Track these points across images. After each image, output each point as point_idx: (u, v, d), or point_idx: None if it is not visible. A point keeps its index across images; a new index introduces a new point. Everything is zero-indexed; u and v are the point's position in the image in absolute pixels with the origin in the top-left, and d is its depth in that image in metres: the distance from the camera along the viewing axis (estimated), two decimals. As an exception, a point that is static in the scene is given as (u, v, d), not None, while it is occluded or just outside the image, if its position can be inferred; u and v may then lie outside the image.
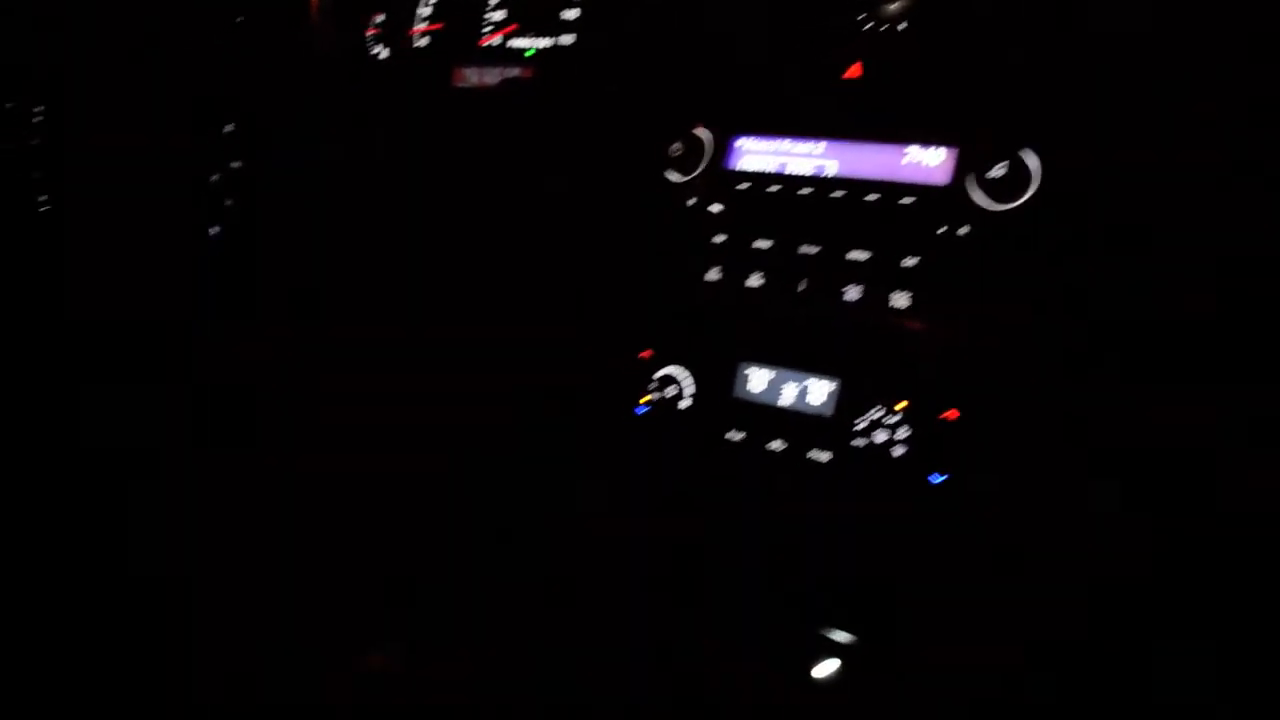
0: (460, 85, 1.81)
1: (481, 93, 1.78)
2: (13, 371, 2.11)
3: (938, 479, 1.22)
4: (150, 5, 1.92)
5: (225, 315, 1.89)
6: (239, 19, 1.90)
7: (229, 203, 1.79)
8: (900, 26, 1.35)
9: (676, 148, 1.45)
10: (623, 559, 1.46)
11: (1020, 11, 1.27)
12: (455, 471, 1.66)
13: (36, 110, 1.97)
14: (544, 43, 1.75)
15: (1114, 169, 1.17)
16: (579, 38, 1.71)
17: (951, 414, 1.22)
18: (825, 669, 1.30)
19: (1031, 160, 1.20)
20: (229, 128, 1.79)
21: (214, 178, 1.80)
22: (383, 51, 1.94)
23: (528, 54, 1.76)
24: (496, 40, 1.81)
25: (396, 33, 1.92)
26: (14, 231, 2.03)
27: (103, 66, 1.95)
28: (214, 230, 1.83)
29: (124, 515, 1.95)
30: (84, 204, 1.98)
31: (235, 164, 1.78)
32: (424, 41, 1.89)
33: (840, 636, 1.30)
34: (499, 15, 1.81)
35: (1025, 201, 1.20)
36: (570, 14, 1.72)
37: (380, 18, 1.94)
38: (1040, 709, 1.21)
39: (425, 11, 1.89)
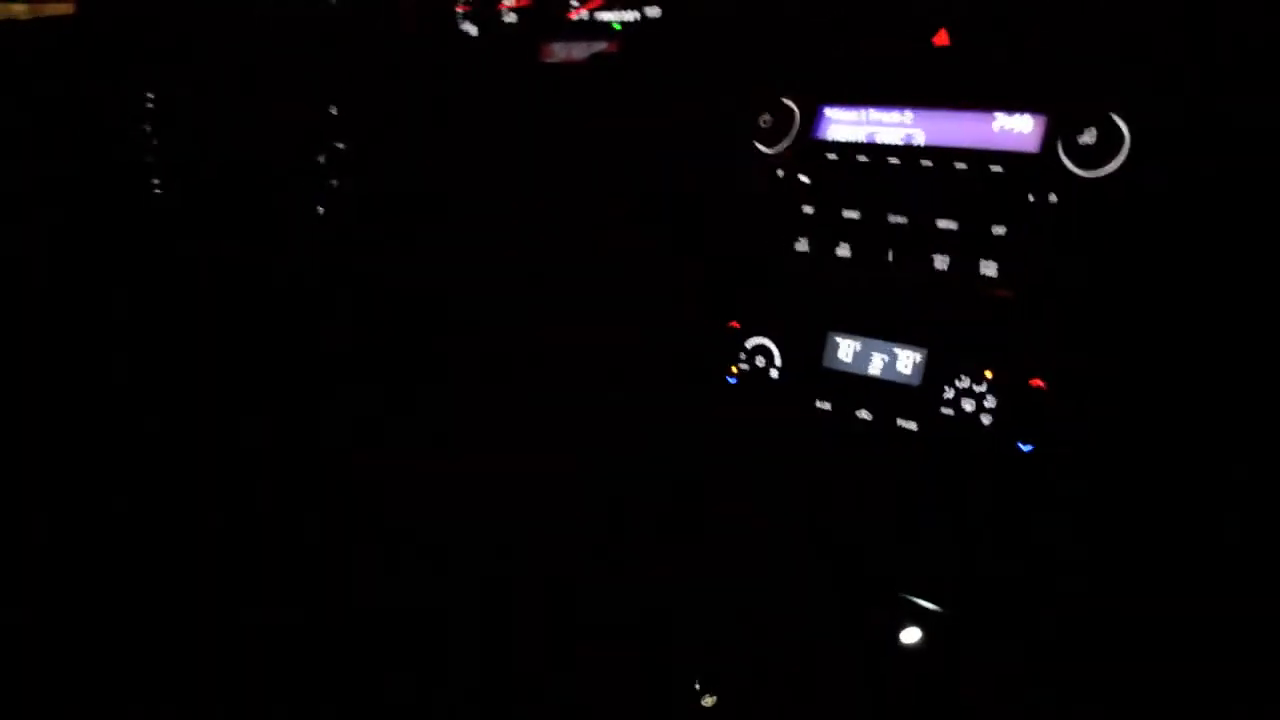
0: (548, 60, 1.84)
1: (570, 67, 1.80)
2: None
3: (1026, 448, 1.22)
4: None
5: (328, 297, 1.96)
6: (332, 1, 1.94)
7: (334, 183, 1.84)
8: (988, -9, 1.35)
9: (765, 119, 1.46)
10: (717, 529, 1.49)
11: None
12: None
13: (149, 95, 2.04)
14: (631, 16, 1.77)
15: (1206, 134, 1.16)
16: (665, 10, 1.72)
17: (1039, 383, 1.21)
18: (910, 636, 1.32)
19: (1122, 126, 1.18)
20: (334, 110, 1.83)
21: (320, 159, 1.85)
22: (471, 29, 1.97)
23: (615, 27, 1.78)
24: (584, 14, 1.83)
25: (485, 9, 1.95)
26: (127, 215, 2.11)
27: (214, 50, 2.01)
28: (319, 210, 1.88)
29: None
30: (196, 187, 2.06)
31: (340, 145, 1.83)
32: (512, 18, 1.92)
33: (926, 604, 1.31)
34: (588, -12, 1.83)
35: (1116, 168, 1.18)
36: (657, -15, 1.74)
37: (469, -7, 1.97)
38: (1124, 682, 1.21)
39: (514, -14, 1.92)
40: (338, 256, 1.91)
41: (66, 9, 2.40)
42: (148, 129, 2.05)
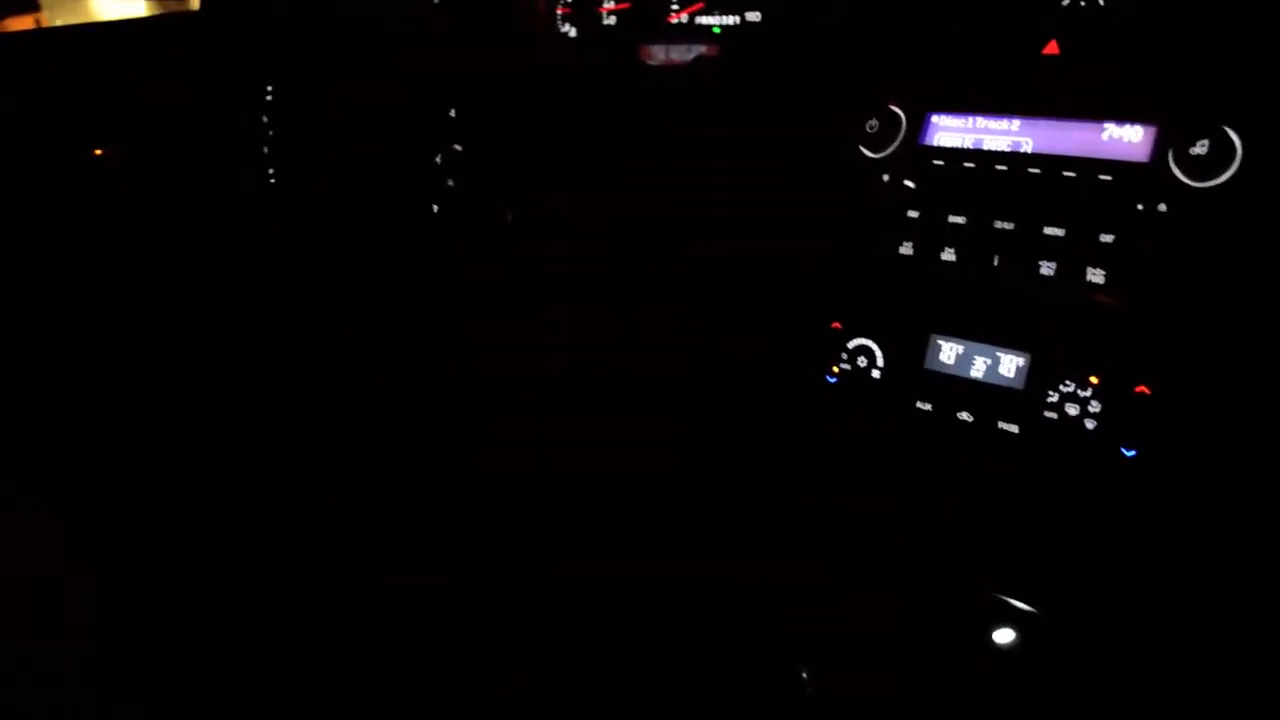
0: (648, 63, 1.88)
1: (670, 70, 1.84)
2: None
3: (1130, 453, 1.24)
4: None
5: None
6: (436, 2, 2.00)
7: (450, 183, 1.90)
8: (1098, 2, 1.37)
9: (872, 124, 1.49)
10: (817, 526, 1.52)
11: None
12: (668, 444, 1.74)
13: (268, 90, 2.11)
14: (731, 20, 1.80)
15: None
16: (766, 14, 1.75)
17: (1143, 389, 1.23)
18: (1004, 636, 1.34)
19: (1234, 137, 1.20)
20: (453, 112, 1.88)
21: (438, 159, 1.90)
22: (571, 30, 2.01)
23: (715, 31, 1.82)
24: (683, 18, 1.86)
25: (585, 11, 1.99)
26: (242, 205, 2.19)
27: (334, 52, 2.07)
28: (435, 209, 1.94)
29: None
30: (311, 181, 2.13)
31: (457, 147, 1.88)
32: (612, 20, 1.96)
33: (1023, 606, 1.34)
34: (686, -8, 1.86)
35: (1227, 179, 1.20)
36: (758, -10, 1.77)
37: (570, -4, 2.02)
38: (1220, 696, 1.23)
39: (614, -11, 1.96)
40: (449, 254, 1.97)
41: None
42: (265, 120, 2.12)
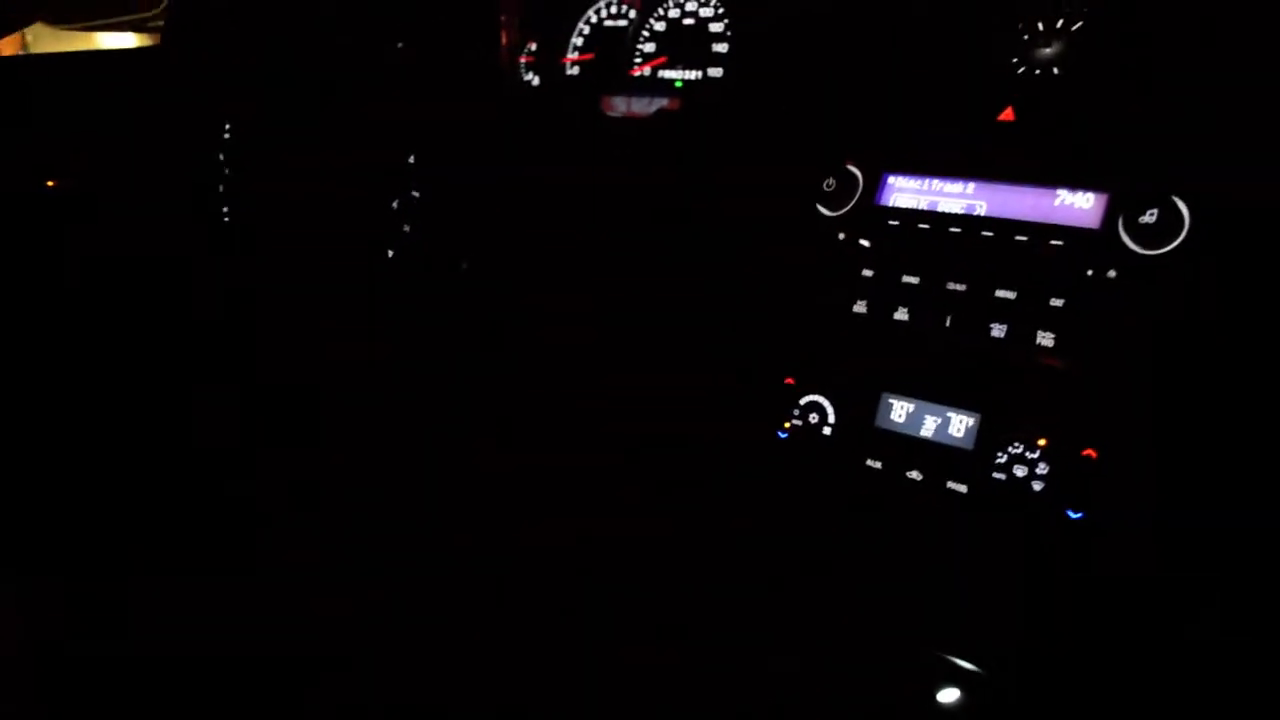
0: (610, 114, 1.89)
1: (632, 122, 1.85)
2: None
3: (1075, 515, 1.24)
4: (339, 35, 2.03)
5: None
6: (399, 45, 2.00)
7: (407, 229, 1.89)
8: (1054, 72, 1.40)
9: (829, 183, 1.50)
10: (759, 578, 1.51)
11: (1172, 61, 1.30)
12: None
13: (225, 127, 2.10)
14: (693, 75, 1.82)
15: (1264, 218, 1.20)
16: (728, 71, 1.77)
17: (1091, 453, 1.24)
18: (949, 696, 1.34)
19: (1183, 207, 1.22)
20: (411, 158, 1.88)
21: (394, 204, 1.90)
22: (535, 79, 2.02)
23: (677, 84, 1.83)
24: (646, 71, 1.88)
25: (549, 61, 2.00)
26: (194, 238, 2.16)
27: (294, 93, 2.07)
28: (390, 254, 1.92)
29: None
30: (265, 221, 2.11)
31: (415, 193, 1.87)
32: (575, 71, 1.97)
33: (967, 665, 1.34)
34: (649, 47, 1.88)
35: (1175, 247, 1.22)
36: (720, 48, 1.79)
37: (534, 45, 2.03)
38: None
39: (578, 41, 1.97)
40: (405, 298, 1.95)
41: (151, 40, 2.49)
42: (221, 158, 2.11)
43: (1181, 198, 1.23)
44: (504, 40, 1.95)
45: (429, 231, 1.89)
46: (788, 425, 1.49)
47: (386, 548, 1.98)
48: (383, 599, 1.90)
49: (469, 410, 1.92)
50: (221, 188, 2.13)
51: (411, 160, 1.88)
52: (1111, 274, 1.26)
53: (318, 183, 2.00)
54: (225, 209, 2.13)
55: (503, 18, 1.95)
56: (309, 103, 2.04)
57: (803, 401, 1.48)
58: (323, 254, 2.04)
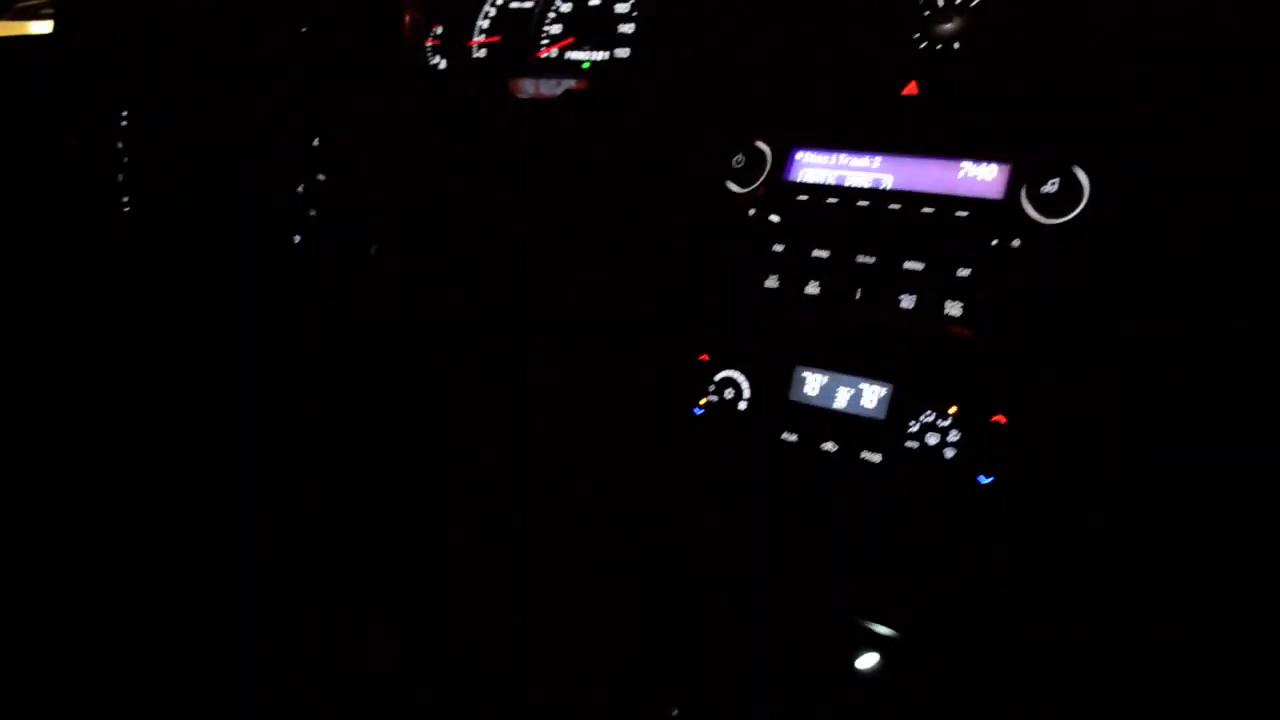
0: (517, 96, 1.88)
1: (540, 103, 1.84)
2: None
3: (986, 480, 1.27)
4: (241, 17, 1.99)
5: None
6: (303, 29, 1.96)
7: (312, 213, 1.85)
8: (955, 46, 1.42)
9: (738, 159, 1.51)
10: (679, 554, 1.52)
11: (1071, 34, 1.33)
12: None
13: (123, 114, 2.04)
14: (600, 55, 1.81)
15: (1164, 188, 1.23)
16: (635, 51, 1.77)
17: (1000, 419, 1.27)
18: (867, 661, 1.36)
19: (1082, 177, 1.25)
20: (316, 141, 1.84)
21: (299, 189, 1.86)
22: (441, 62, 2.00)
23: (584, 66, 1.83)
24: (553, 52, 1.87)
25: (455, 44, 1.98)
26: (96, 229, 2.10)
27: (193, 78, 2.01)
28: (296, 239, 1.89)
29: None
30: (164, 207, 2.05)
31: (320, 177, 1.84)
32: (482, 53, 1.96)
33: (882, 630, 1.36)
34: (556, 29, 1.87)
35: (1076, 216, 1.25)
36: (627, 28, 1.79)
37: (439, 29, 2.01)
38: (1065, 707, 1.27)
39: (484, 24, 1.96)
40: (310, 285, 1.92)
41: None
42: (120, 146, 2.04)
43: (1081, 167, 1.25)
44: (407, 21, 1.93)
45: (335, 216, 1.86)
46: (703, 401, 1.49)
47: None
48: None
49: (379, 399, 1.90)
50: (121, 177, 2.07)
51: (317, 143, 1.85)
52: (1015, 243, 1.28)
53: (220, 168, 1.95)
54: (125, 199, 2.06)
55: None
56: (210, 87, 1.99)
57: (717, 377, 1.48)
58: (226, 241, 1.99)
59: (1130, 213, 1.24)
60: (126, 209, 2.06)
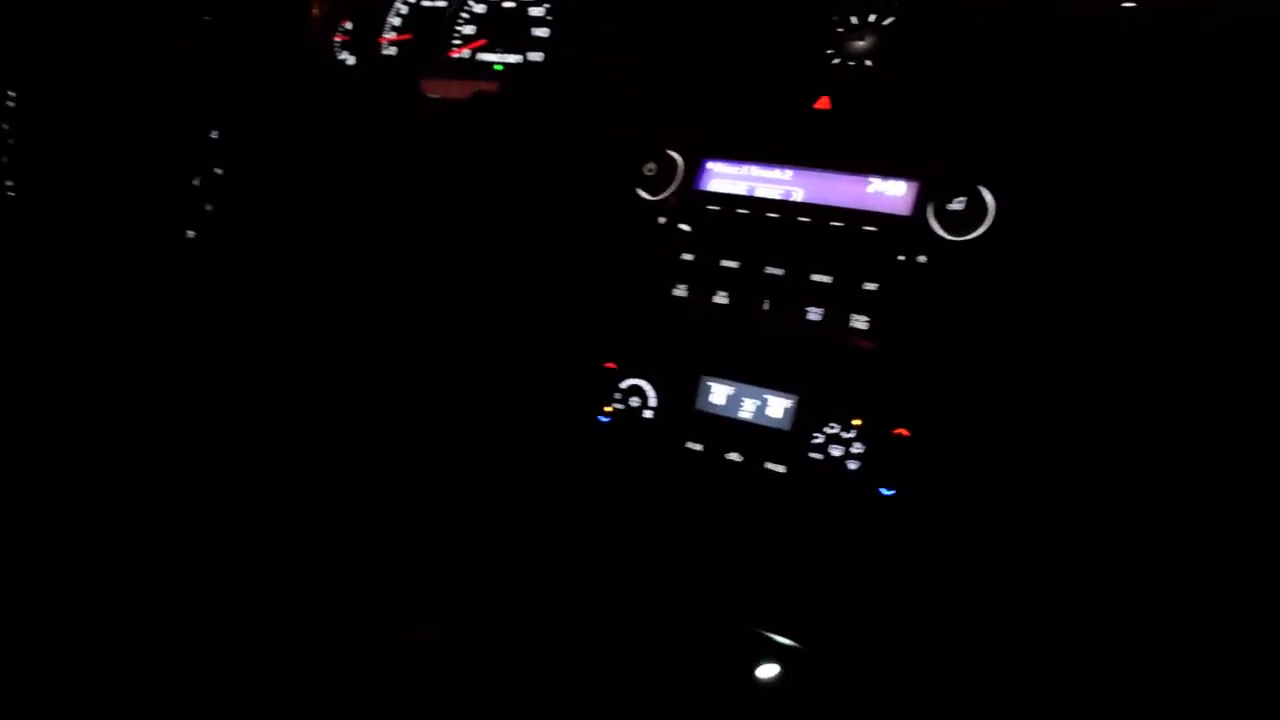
0: (429, 95, 1.85)
1: (449, 104, 1.82)
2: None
3: (888, 493, 1.28)
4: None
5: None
6: (206, 18, 1.91)
7: (209, 208, 1.80)
8: (867, 64, 1.44)
9: (650, 167, 1.51)
10: (581, 561, 1.51)
11: (980, 55, 1.36)
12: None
13: (9, 95, 1.96)
14: (513, 58, 1.79)
15: (1067, 207, 1.26)
16: (549, 56, 1.76)
17: (902, 431, 1.28)
18: (767, 671, 1.36)
19: (988, 196, 1.27)
20: (214, 134, 1.79)
21: (195, 182, 1.80)
22: (349, 58, 1.96)
23: (496, 68, 1.81)
24: (466, 53, 1.85)
25: (364, 40, 1.95)
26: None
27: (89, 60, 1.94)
28: (190, 234, 1.83)
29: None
30: (54, 194, 1.97)
31: (218, 170, 1.78)
32: (392, 51, 1.92)
33: (784, 641, 1.36)
34: (468, 29, 1.85)
35: (981, 234, 1.27)
36: (541, 32, 1.77)
37: (348, 24, 1.97)
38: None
39: (395, 21, 1.92)
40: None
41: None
42: (5, 127, 1.96)
43: (987, 186, 1.27)
44: (314, 14, 1.89)
45: (232, 210, 1.81)
46: (609, 409, 1.48)
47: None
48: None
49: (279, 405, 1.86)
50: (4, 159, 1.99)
51: (215, 136, 1.80)
52: (921, 259, 1.30)
53: (112, 159, 1.89)
54: (9, 183, 1.98)
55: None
56: (105, 76, 1.92)
57: (623, 385, 1.47)
58: (118, 235, 1.92)
59: (1033, 231, 1.26)
60: (11, 194, 1.98)
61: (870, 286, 1.33)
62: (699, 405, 1.43)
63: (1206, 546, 1.20)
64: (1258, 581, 1.18)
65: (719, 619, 1.40)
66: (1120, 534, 1.23)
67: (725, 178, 1.47)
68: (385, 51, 1.93)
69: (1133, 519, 1.22)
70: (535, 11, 1.78)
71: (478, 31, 1.84)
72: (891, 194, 1.34)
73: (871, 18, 1.44)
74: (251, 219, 1.83)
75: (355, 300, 1.78)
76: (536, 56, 1.78)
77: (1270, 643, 1.17)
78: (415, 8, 1.91)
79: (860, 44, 1.44)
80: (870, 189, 1.36)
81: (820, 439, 1.33)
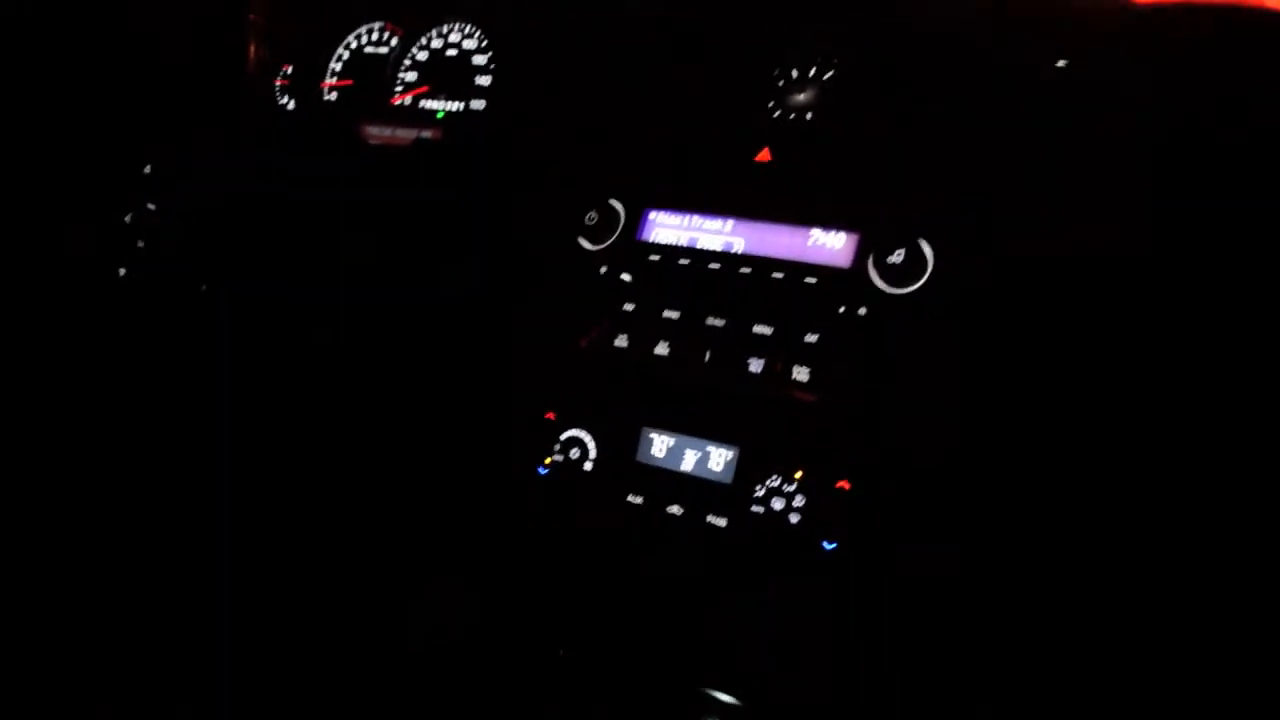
0: (370, 141, 1.83)
1: (391, 149, 1.80)
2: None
3: (830, 546, 1.27)
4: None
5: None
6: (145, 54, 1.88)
7: (140, 244, 1.76)
8: (807, 116, 1.44)
9: (591, 216, 1.50)
10: (517, 617, 1.48)
11: (920, 110, 1.37)
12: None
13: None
14: (455, 106, 1.79)
15: (1006, 260, 1.27)
16: (490, 104, 1.75)
17: (844, 484, 1.27)
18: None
19: (927, 249, 1.28)
20: (147, 169, 1.76)
21: (127, 219, 1.77)
22: (290, 103, 1.95)
23: (438, 115, 1.80)
24: (407, 100, 1.84)
25: (306, 85, 1.93)
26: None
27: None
28: (122, 272, 1.79)
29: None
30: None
31: (150, 206, 1.75)
32: (333, 96, 1.91)
33: (725, 698, 1.34)
34: (411, 76, 1.84)
35: (920, 286, 1.28)
36: (483, 80, 1.77)
37: (289, 69, 1.95)
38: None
39: (336, 67, 1.91)
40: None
41: None
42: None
43: (926, 239, 1.28)
44: (252, 58, 1.87)
45: (165, 248, 1.77)
46: (548, 461, 1.46)
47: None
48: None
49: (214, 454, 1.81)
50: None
51: (148, 171, 1.76)
52: (861, 311, 1.30)
53: (42, 193, 1.84)
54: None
55: (250, 36, 1.86)
56: (35, 106, 1.88)
57: (563, 437, 1.46)
58: (47, 271, 1.87)
59: (972, 284, 1.26)
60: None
61: (811, 338, 1.32)
62: (640, 457, 1.41)
63: (1150, 610, 1.20)
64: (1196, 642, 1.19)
65: (660, 676, 1.38)
66: (1064, 582, 1.23)
67: (667, 228, 1.46)
68: (326, 97, 1.91)
69: (1076, 566, 1.23)
70: (478, 60, 1.77)
71: (420, 78, 1.83)
72: (832, 246, 1.35)
73: (812, 72, 1.45)
74: (184, 256, 1.79)
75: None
76: (479, 104, 1.77)
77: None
78: (357, 53, 1.89)
79: (801, 96, 1.45)
80: (811, 241, 1.36)
81: (762, 492, 1.32)
